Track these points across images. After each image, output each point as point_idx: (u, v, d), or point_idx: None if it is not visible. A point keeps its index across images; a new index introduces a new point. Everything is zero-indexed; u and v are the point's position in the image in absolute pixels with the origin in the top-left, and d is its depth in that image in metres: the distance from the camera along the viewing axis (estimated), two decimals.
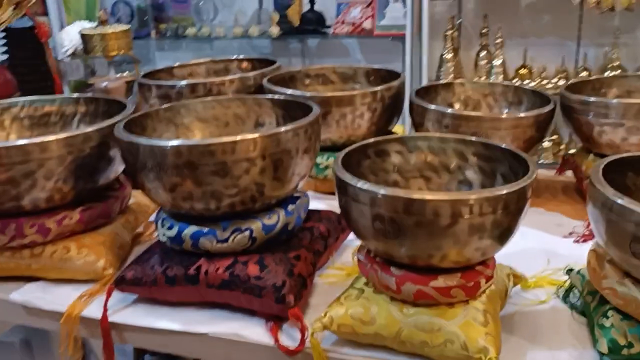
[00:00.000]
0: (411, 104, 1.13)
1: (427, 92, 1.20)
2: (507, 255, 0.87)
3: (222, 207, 0.77)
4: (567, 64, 2.75)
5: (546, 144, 2.76)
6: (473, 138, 0.79)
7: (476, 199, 0.60)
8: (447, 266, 0.66)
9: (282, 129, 0.75)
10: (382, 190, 0.63)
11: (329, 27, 3.06)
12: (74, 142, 0.82)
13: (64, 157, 0.82)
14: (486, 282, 0.68)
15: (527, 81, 2.74)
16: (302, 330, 0.71)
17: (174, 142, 0.72)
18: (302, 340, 0.71)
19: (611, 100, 0.98)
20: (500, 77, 2.68)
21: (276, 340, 0.73)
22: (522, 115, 1.02)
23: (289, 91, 1.15)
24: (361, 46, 3.20)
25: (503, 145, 0.75)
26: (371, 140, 0.80)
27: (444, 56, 2.79)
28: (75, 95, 1.07)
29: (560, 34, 2.84)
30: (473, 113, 1.05)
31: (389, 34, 2.88)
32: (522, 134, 1.02)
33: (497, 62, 2.68)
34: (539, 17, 2.86)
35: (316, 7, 3.07)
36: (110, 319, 0.80)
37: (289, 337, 0.74)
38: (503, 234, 0.65)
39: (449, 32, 2.77)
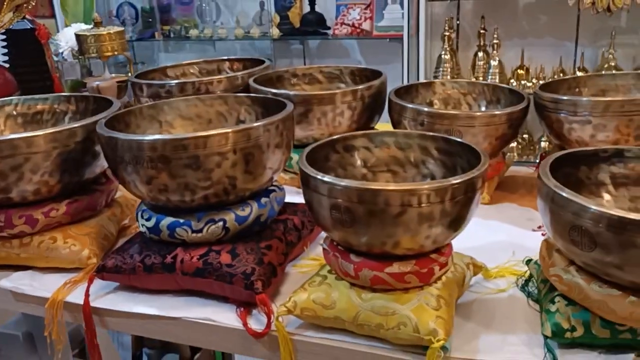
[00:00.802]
0: (390, 102, 1.16)
1: (407, 91, 1.24)
2: (475, 247, 0.92)
3: (196, 199, 0.81)
4: (565, 64, 2.78)
5: (543, 144, 2.79)
6: (435, 134, 0.83)
7: (424, 189, 0.64)
8: (402, 253, 0.70)
9: (253, 124, 0.80)
10: (337, 181, 0.67)
11: (329, 28, 3.11)
12: (59, 137, 0.87)
13: (50, 152, 0.87)
14: (440, 269, 0.72)
15: (524, 82, 2.76)
16: (269, 315, 0.75)
17: (149, 137, 0.76)
18: (269, 324, 0.75)
19: (579, 98, 1.01)
20: (497, 77, 2.71)
21: (245, 324, 0.77)
22: (494, 112, 1.06)
23: (274, 90, 1.19)
24: (361, 47, 3.25)
25: (461, 140, 0.79)
26: (339, 136, 0.84)
27: (442, 57, 2.82)
28: (67, 94, 1.12)
29: (558, 35, 2.86)
30: (447, 111, 1.09)
31: (387, 35, 2.92)
32: (494, 131, 1.06)
33: (494, 62, 2.71)
34: (536, 18, 2.89)
35: (316, 9, 3.11)
36: (92, 304, 0.84)
37: (258, 322, 0.78)
38: (453, 223, 0.68)
39: (447, 33, 2.80)
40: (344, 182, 0.67)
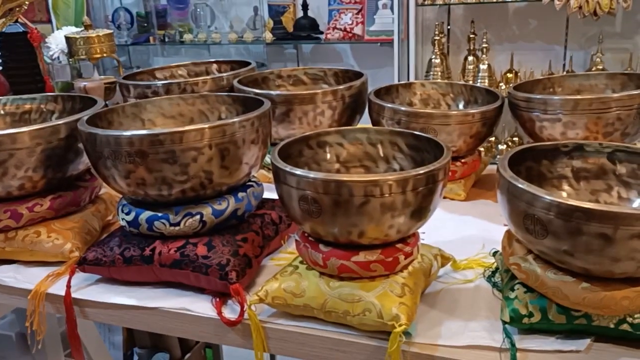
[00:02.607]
0: (369, 102, 1.19)
1: (388, 92, 1.27)
2: (448, 240, 0.95)
3: (174, 194, 0.84)
4: (554, 68, 2.81)
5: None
6: (405, 130, 0.86)
7: (385, 180, 0.67)
8: (368, 243, 0.73)
9: (228, 120, 0.83)
10: (304, 173, 0.70)
11: (322, 32, 3.14)
12: (42, 134, 0.90)
13: (34, 148, 0.90)
14: (405, 259, 0.75)
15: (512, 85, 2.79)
16: (242, 304, 0.78)
17: (127, 132, 0.79)
18: (242, 312, 0.78)
19: (549, 96, 1.04)
20: (487, 81, 2.75)
21: (219, 313, 0.80)
22: (468, 111, 1.09)
23: (257, 90, 1.22)
24: (353, 51, 3.28)
25: (428, 136, 0.82)
26: (312, 132, 0.87)
27: (432, 60, 2.86)
28: (54, 94, 1.15)
29: (547, 39, 2.90)
30: (423, 110, 1.11)
31: (378, 39, 2.95)
32: (468, 129, 1.09)
33: (483, 66, 2.75)
34: (526, 22, 2.92)
35: (309, 14, 3.15)
36: (73, 295, 0.87)
37: (232, 311, 0.80)
38: (416, 213, 0.71)
39: (438, 38, 2.83)
40: (311, 174, 0.70)
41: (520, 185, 0.65)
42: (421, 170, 0.69)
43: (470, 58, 2.83)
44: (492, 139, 2.90)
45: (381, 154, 0.88)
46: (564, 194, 0.80)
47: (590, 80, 1.20)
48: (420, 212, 0.72)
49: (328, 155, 0.88)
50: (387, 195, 0.68)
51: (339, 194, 0.68)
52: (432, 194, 0.72)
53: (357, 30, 3.01)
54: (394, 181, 0.67)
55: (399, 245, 0.75)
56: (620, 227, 0.59)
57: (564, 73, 2.76)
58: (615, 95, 0.98)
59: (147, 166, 0.80)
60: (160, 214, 0.85)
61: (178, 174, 0.81)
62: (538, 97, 1.04)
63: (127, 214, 0.87)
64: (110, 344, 2.10)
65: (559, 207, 0.61)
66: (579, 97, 1.00)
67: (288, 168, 0.72)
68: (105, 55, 1.44)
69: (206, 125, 0.81)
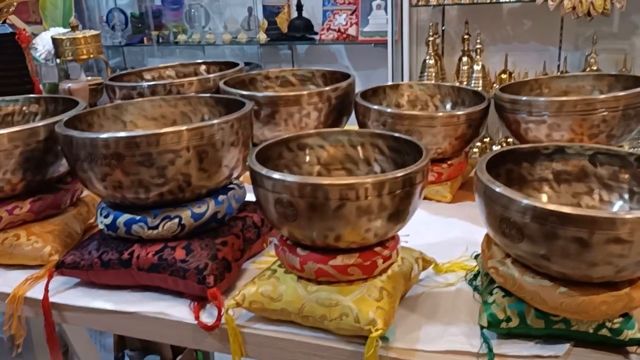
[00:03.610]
0: (355, 104, 1.19)
1: (375, 94, 1.26)
2: (431, 243, 0.94)
3: (151, 197, 0.83)
4: (549, 69, 2.80)
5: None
6: (385, 132, 0.85)
7: (361, 183, 0.66)
8: (345, 247, 0.72)
9: (206, 122, 0.82)
10: (279, 177, 0.69)
11: (316, 33, 3.13)
12: (21, 136, 0.89)
13: (12, 151, 0.89)
14: (384, 262, 0.74)
15: None
16: (219, 308, 0.77)
17: (103, 135, 0.78)
18: (219, 317, 0.77)
19: (534, 98, 1.03)
20: (481, 82, 2.74)
21: (197, 317, 0.79)
22: (453, 113, 1.08)
23: (242, 92, 1.21)
24: (348, 52, 3.27)
25: (408, 138, 0.81)
26: (292, 134, 0.86)
27: (426, 62, 2.85)
28: (36, 95, 1.14)
29: (542, 40, 2.89)
30: (408, 112, 1.11)
31: (372, 40, 2.95)
32: (454, 131, 1.08)
33: (477, 67, 2.74)
34: (521, 23, 2.92)
35: (304, 14, 3.14)
36: (52, 299, 0.86)
37: (210, 316, 0.80)
38: (393, 217, 0.70)
39: (432, 38, 2.82)
40: (286, 177, 0.69)
41: (496, 189, 0.64)
42: (398, 173, 0.68)
43: (465, 59, 2.82)
44: (487, 139, 2.89)
45: (362, 156, 0.87)
46: (545, 197, 0.79)
47: (578, 82, 1.19)
48: (398, 215, 0.71)
49: (308, 158, 0.87)
50: (363, 198, 0.67)
51: (315, 198, 0.67)
52: (409, 197, 0.71)
53: (351, 31, 3.00)
54: (369, 184, 0.66)
55: (377, 249, 0.74)
56: (596, 231, 0.58)
57: (558, 74, 2.76)
58: (601, 96, 0.97)
59: (124, 169, 0.79)
60: (138, 217, 0.84)
61: (155, 177, 0.80)
62: (523, 98, 1.04)
63: (106, 217, 0.86)
64: (101, 347, 2.09)
65: (534, 210, 0.60)
66: (563, 98, 0.99)
67: (264, 171, 0.71)
68: (92, 56, 1.43)
69: (183, 128, 0.80)
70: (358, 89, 1.25)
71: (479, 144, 2.82)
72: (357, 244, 0.72)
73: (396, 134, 0.83)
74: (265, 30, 3.22)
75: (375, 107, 1.13)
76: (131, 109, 1.02)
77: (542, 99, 1.03)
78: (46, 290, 0.86)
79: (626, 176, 0.75)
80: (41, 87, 1.61)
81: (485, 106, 1.11)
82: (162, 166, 0.80)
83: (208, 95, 1.05)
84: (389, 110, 1.11)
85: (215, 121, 0.82)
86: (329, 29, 3.04)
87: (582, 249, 0.59)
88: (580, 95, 1.15)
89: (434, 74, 2.83)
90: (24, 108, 1.13)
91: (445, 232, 1.01)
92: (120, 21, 3.42)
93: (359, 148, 0.88)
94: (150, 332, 0.82)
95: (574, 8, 2.50)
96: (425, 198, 1.14)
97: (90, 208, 1.06)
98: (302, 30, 3.15)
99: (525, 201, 0.61)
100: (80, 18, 3.26)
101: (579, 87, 1.19)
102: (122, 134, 0.78)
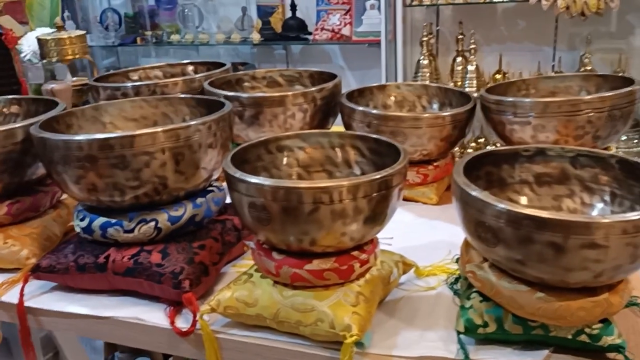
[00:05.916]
0: (341, 105, 1.17)
1: (362, 94, 1.25)
2: (414, 245, 0.93)
3: (127, 200, 0.82)
4: (543, 69, 2.79)
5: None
6: (366, 134, 0.84)
7: (335, 186, 0.65)
8: (321, 251, 0.71)
9: (182, 124, 0.80)
10: (252, 180, 0.68)
11: (310, 33, 3.12)
12: None
13: None
14: (361, 266, 0.72)
15: None
16: (194, 313, 0.76)
17: (76, 137, 0.77)
18: (194, 322, 0.76)
19: (519, 99, 1.02)
20: (475, 82, 2.72)
21: (172, 322, 0.77)
22: (438, 114, 1.07)
23: (226, 92, 1.20)
24: (342, 52, 3.26)
25: (388, 140, 0.80)
26: (271, 136, 0.85)
27: (420, 62, 2.83)
28: (18, 96, 1.13)
29: (536, 40, 2.88)
30: (393, 113, 1.09)
31: (366, 40, 2.93)
32: (439, 132, 1.07)
33: (471, 67, 2.72)
34: (515, 22, 2.90)
35: (298, 14, 3.12)
36: (27, 304, 0.85)
37: (186, 321, 0.78)
38: (369, 220, 0.69)
39: (426, 39, 2.81)
40: (259, 181, 0.67)
41: (471, 192, 0.63)
42: (376, 176, 0.67)
43: (459, 59, 2.81)
44: (482, 140, 2.88)
45: (342, 158, 0.86)
46: (525, 200, 0.78)
47: (566, 82, 1.18)
48: (375, 219, 0.70)
49: (288, 160, 0.86)
50: (337, 202, 0.65)
51: (288, 201, 0.66)
52: (386, 200, 0.69)
53: (345, 31, 2.99)
54: (344, 188, 0.65)
55: (354, 253, 0.72)
56: (571, 236, 0.57)
57: (552, 74, 2.75)
58: (586, 97, 0.96)
59: (98, 171, 0.78)
60: (113, 221, 0.83)
61: (130, 180, 0.79)
62: (508, 99, 1.02)
63: (82, 219, 0.85)
64: (91, 349, 2.07)
65: (509, 214, 0.59)
66: (548, 99, 0.98)
67: (237, 174, 0.70)
68: (77, 56, 1.42)
69: (159, 129, 0.78)
70: (353, 89, 1.23)
71: (473, 144, 2.81)
72: (333, 248, 0.71)
73: (376, 136, 0.82)
74: (259, 30, 3.20)
75: (360, 108, 1.12)
76: (111, 110, 1.00)
77: (527, 100, 1.01)
78: (21, 294, 0.85)
79: (607, 178, 0.74)
80: (28, 87, 1.60)
81: (472, 107, 1.10)
82: (137, 168, 0.78)
83: (189, 96, 1.04)
84: (374, 111, 1.10)
85: (191, 122, 0.81)
86: (322, 29, 3.03)
87: (557, 254, 0.58)
88: (566, 96, 1.14)
89: (428, 74, 2.81)
90: (4, 109, 1.11)
91: (429, 235, 0.99)
92: (114, 21, 3.41)
93: (339, 150, 0.86)
94: (126, 337, 0.81)
95: (567, 8, 2.49)
96: (410, 200, 1.13)
97: (71, 210, 1.05)
98: (296, 30, 3.13)
99: (500, 205, 0.60)
100: (73, 18, 3.25)
101: (567, 87, 1.18)
102: (96, 135, 0.77)
